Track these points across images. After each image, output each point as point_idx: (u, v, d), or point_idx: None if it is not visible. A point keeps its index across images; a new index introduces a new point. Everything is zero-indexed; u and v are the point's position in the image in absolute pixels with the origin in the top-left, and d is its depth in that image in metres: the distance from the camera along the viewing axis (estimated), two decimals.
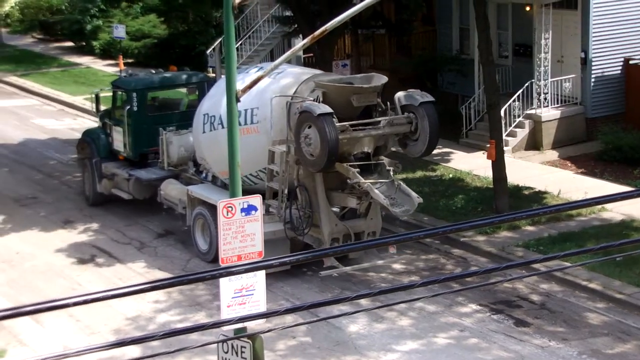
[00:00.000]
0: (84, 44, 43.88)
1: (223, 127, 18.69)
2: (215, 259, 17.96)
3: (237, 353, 12.02)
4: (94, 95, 23.99)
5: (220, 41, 31.62)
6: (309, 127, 16.81)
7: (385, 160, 17.62)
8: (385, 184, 17.15)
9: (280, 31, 33.13)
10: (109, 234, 21.60)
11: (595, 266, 17.60)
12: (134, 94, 22.02)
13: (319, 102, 17.13)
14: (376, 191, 16.79)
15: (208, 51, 34.41)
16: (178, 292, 17.87)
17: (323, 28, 11.95)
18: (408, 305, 16.86)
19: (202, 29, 38.02)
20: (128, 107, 21.99)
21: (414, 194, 16.98)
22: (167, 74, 23.21)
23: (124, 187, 22.42)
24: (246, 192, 19.08)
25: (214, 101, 19.37)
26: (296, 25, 27.77)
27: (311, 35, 12.17)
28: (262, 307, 11.65)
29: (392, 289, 6.59)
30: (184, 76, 23.18)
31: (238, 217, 11.83)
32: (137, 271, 19.43)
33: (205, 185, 20.36)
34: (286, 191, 17.94)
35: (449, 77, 29.29)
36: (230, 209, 11.82)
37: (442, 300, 17.16)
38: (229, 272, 5.97)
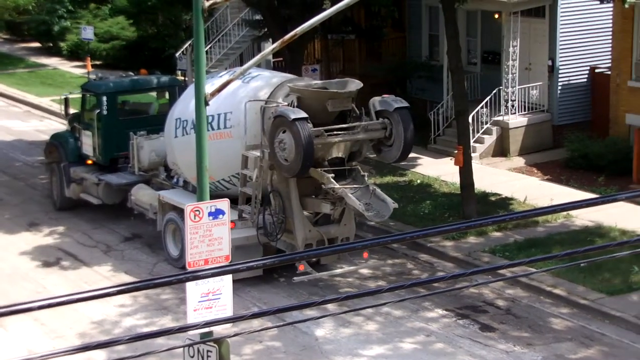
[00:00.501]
0: (52, 45, 43.59)
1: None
2: None
3: (203, 357, 11.98)
4: (63, 99, 23.63)
5: (190, 44, 31.53)
6: (284, 132, 16.67)
7: (359, 165, 17.55)
8: (360, 189, 17.05)
9: (250, 35, 33.11)
10: (75, 237, 21.45)
11: (560, 272, 17.75)
12: (104, 98, 21.77)
13: (294, 107, 17.01)
14: (351, 196, 16.69)
15: (177, 54, 34.32)
16: (144, 296, 17.78)
17: (293, 32, 11.96)
18: (375, 310, 16.90)
19: (171, 31, 37.91)
20: (98, 110, 21.75)
21: (389, 200, 16.88)
22: (138, 78, 22.93)
23: (93, 192, 22.17)
24: (219, 197, 18.99)
25: (186, 105, 19.19)
26: (266, 29, 27.76)
27: (281, 39, 12.17)
28: (229, 312, 11.63)
29: (359, 294, 6.60)
30: (155, 80, 22.95)
31: (205, 221, 11.81)
32: (103, 274, 19.31)
33: (177, 191, 20.23)
34: (260, 196, 17.80)
35: (418, 83, 29.42)
36: (197, 212, 11.79)
37: (408, 305, 17.22)
38: (196, 276, 5.95)
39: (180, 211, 18.95)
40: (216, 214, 11.83)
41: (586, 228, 20.41)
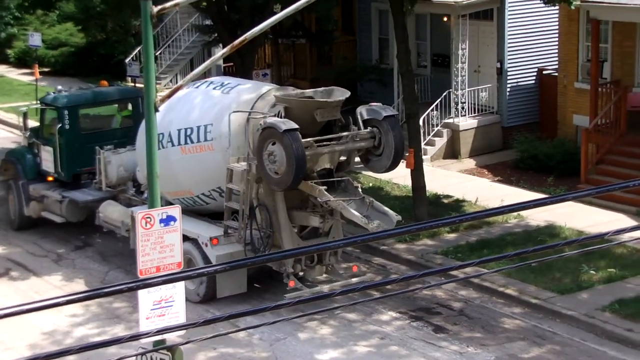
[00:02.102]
0: None
1: (173, 145, 18.04)
2: None
3: None
4: (22, 113, 22.61)
5: (140, 50, 31.35)
6: (273, 144, 16.04)
7: (349, 177, 17.08)
8: (355, 201, 16.50)
9: (201, 40, 33.04)
10: (25, 247, 21.18)
11: (511, 272, 17.91)
12: (66, 111, 20.89)
13: (282, 117, 16.40)
14: (350, 209, 16.13)
15: (127, 60, 34.10)
16: (96, 305, 17.62)
17: (243, 37, 11.95)
18: (328, 314, 16.91)
19: (121, 37, 37.64)
20: (59, 125, 20.86)
21: (390, 212, 16.38)
22: (100, 90, 22.12)
23: (55, 209, 21.28)
24: (198, 212, 18.70)
25: (162, 118, 18.29)
26: (216, 34, 27.71)
27: (231, 44, 12.16)
28: (182, 319, 11.57)
29: (312, 298, 6.61)
30: (117, 92, 22.19)
31: (157, 228, 11.73)
32: (55, 284, 19.09)
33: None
34: (247, 211, 17.16)
35: (368, 87, 29.52)
36: (149, 219, 11.71)
37: (362, 308, 17.26)
38: (147, 284, 5.91)
39: None
40: (167, 220, 11.76)
41: (537, 228, 20.63)
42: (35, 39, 33.09)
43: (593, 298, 17.18)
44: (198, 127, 17.86)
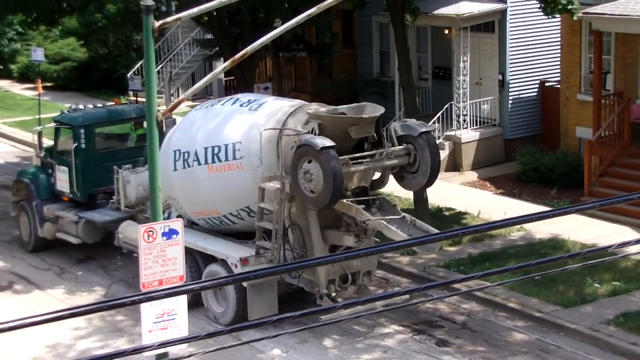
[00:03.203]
0: (2, 67, 43.16)
1: (200, 164, 17.72)
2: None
3: None
4: (36, 132, 22.09)
5: (141, 64, 31.42)
6: (309, 162, 15.58)
7: (384, 195, 16.81)
8: (395, 220, 16.08)
9: (202, 54, 33.14)
10: (28, 260, 21.18)
11: (514, 285, 17.87)
12: (82, 130, 20.50)
13: (315, 135, 16.03)
14: (392, 228, 15.70)
15: (129, 74, 34.18)
16: (99, 318, 17.60)
17: (244, 51, 11.98)
18: (331, 327, 16.87)
19: (122, 52, 37.76)
20: (75, 144, 20.48)
21: (434, 231, 16.05)
22: (115, 108, 21.61)
23: (71, 230, 20.89)
24: (223, 232, 18.34)
25: (187, 136, 18.15)
26: (217, 48, 27.77)
27: (232, 58, 12.17)
28: (184, 332, 11.55)
29: (314, 311, 6.61)
30: (132, 110, 21.67)
31: (159, 242, 11.71)
32: (57, 297, 19.09)
33: None
34: (281, 231, 16.70)
35: (370, 100, 29.37)
36: (151, 233, 11.69)
37: (364, 321, 17.22)
38: (150, 297, 5.92)
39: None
40: (170, 234, 11.74)
41: (540, 241, 20.59)
42: (38, 54, 33.13)
43: (597, 311, 17.13)
44: (226, 145, 17.45)
